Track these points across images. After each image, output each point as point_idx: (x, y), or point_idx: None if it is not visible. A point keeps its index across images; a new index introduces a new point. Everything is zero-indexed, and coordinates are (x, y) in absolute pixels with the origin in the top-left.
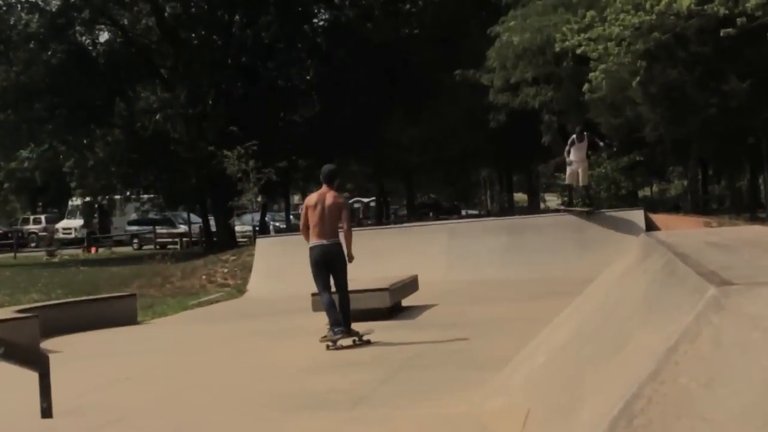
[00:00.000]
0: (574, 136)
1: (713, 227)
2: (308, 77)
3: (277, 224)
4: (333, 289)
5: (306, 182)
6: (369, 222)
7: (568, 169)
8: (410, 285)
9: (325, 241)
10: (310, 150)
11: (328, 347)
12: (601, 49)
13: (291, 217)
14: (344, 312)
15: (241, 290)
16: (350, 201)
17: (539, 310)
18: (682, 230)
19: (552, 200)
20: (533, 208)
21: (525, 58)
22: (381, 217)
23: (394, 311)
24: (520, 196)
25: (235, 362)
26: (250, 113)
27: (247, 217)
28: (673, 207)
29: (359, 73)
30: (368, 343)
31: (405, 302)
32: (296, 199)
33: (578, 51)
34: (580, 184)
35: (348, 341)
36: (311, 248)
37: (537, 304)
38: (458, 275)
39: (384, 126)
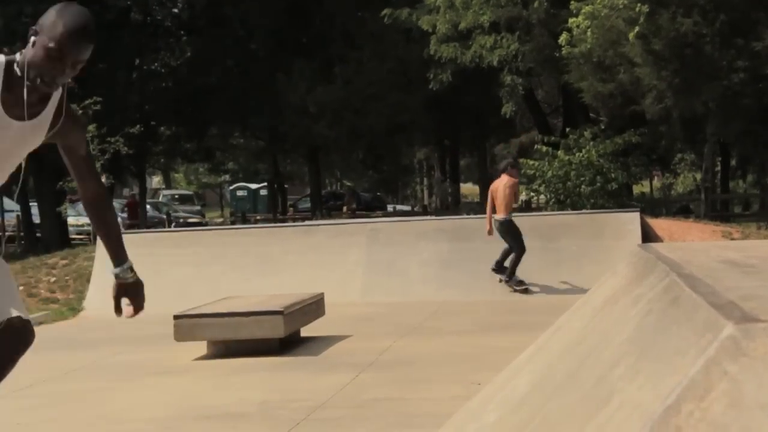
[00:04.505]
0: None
1: (735, 239)
2: (176, 10)
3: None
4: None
5: (169, 158)
6: (257, 217)
7: None
8: (313, 308)
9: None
10: (176, 112)
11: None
12: None
13: (147, 207)
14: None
15: (74, 308)
16: (231, 187)
17: (490, 347)
18: (692, 243)
19: None
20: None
21: None
22: (275, 210)
23: (289, 344)
24: (469, 188)
25: (60, 413)
26: (92, 58)
27: None
28: (681, 209)
29: (249, 7)
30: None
31: (305, 332)
32: (155, 181)
33: None
34: None
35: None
36: None
37: (487, 340)
38: (380, 296)
39: (282, 84)
